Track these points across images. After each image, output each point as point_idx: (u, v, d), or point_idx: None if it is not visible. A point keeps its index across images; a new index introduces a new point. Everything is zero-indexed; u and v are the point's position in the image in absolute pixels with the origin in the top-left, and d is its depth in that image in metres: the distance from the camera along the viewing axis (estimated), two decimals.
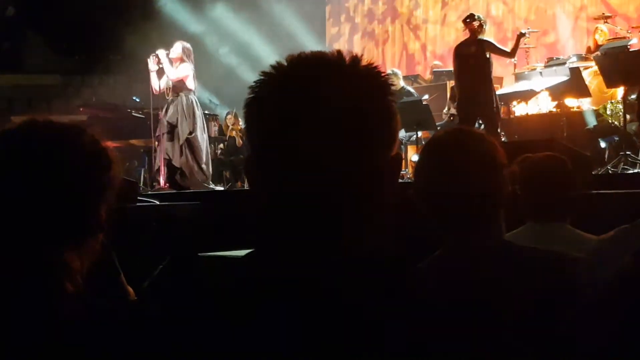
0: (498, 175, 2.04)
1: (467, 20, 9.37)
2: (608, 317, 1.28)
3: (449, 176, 1.99)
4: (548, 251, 2.11)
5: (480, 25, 9.24)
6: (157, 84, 10.88)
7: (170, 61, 10.68)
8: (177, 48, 10.70)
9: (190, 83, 10.70)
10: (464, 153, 2.01)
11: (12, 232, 1.50)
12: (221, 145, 14.40)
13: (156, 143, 11.18)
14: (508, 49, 9.66)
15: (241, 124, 13.77)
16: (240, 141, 13.68)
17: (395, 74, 11.87)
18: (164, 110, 10.86)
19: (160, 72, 10.86)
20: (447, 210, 2.02)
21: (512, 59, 10.32)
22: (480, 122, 9.22)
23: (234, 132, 14.05)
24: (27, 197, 1.52)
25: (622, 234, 1.66)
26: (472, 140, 2.07)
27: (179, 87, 10.68)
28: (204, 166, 10.74)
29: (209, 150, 11.22)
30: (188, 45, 10.88)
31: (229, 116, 14.49)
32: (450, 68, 12.43)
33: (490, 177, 2.02)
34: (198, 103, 10.89)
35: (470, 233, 2.02)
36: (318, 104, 1.10)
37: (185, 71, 10.62)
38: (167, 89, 10.82)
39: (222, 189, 11.51)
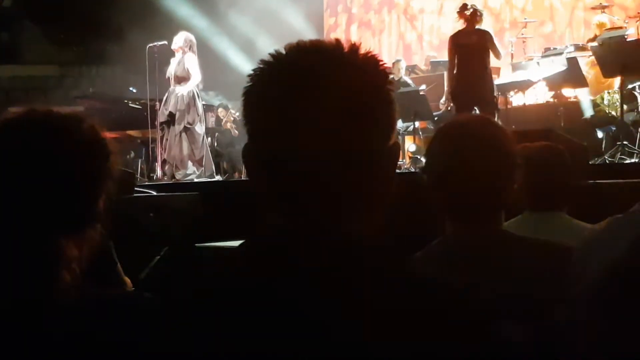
0: (512, 166, 2.04)
1: (459, 10, 9.35)
2: (601, 306, 1.29)
3: (465, 165, 1.98)
4: (543, 240, 2.11)
5: (474, 12, 9.19)
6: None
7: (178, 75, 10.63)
8: (180, 39, 10.62)
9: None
10: (480, 141, 2.01)
11: (10, 221, 1.50)
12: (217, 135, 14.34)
13: (158, 133, 11.16)
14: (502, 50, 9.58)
15: (235, 115, 13.74)
16: (236, 132, 13.64)
17: (398, 63, 11.92)
18: (164, 99, 10.81)
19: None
20: (460, 199, 2.01)
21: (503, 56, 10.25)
22: (477, 111, 9.17)
23: (228, 125, 14.01)
24: (25, 186, 1.52)
25: (615, 223, 1.67)
26: (490, 130, 2.07)
27: (183, 77, 10.63)
28: (201, 159, 10.70)
29: (206, 143, 11.19)
30: (191, 36, 10.81)
31: (220, 109, 14.44)
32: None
33: (504, 168, 2.02)
34: (199, 94, 10.85)
35: (474, 222, 2.03)
36: (317, 92, 1.10)
37: (193, 65, 10.54)
38: (169, 78, 10.77)
39: (220, 179, 11.48)
